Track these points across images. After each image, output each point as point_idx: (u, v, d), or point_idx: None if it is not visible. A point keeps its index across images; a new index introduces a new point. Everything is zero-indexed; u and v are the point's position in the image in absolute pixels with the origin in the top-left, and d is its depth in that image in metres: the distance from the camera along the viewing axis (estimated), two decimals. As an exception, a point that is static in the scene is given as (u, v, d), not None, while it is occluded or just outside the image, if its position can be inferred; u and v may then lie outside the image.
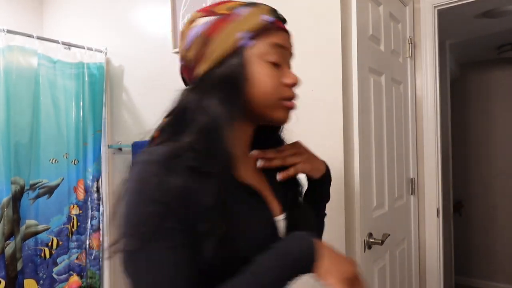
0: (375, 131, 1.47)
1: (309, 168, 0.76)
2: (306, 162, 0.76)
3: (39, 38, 1.83)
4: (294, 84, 0.67)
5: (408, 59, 1.91)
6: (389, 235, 1.41)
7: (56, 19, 2.48)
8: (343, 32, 1.28)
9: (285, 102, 0.66)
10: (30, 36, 1.80)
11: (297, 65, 1.35)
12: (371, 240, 1.36)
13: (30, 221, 1.82)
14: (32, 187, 1.83)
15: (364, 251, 1.34)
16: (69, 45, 2.00)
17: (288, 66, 0.69)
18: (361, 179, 1.31)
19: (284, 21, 0.69)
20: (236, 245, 0.55)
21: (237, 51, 0.63)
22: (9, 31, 1.70)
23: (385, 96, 1.60)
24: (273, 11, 0.67)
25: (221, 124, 0.58)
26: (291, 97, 0.67)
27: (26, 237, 1.80)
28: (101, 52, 2.10)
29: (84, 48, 2.03)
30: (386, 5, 1.62)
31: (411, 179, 1.89)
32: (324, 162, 0.82)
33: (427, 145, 1.89)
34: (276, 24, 0.66)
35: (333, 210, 1.29)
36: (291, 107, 0.67)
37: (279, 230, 0.66)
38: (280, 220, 0.67)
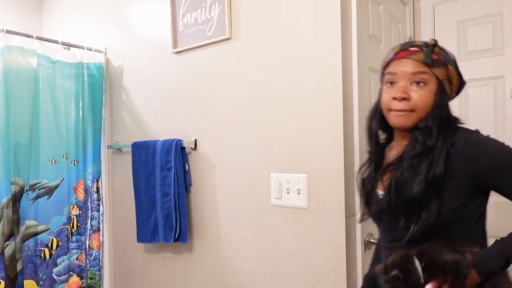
0: (375, 131, 1.47)
1: None
2: None
3: (38, 38, 1.83)
4: (396, 97, 0.87)
5: (408, 59, 1.91)
6: (390, 235, 1.41)
7: (56, 19, 2.48)
8: (343, 32, 1.27)
9: (392, 112, 0.89)
10: (29, 36, 1.79)
11: (297, 65, 1.36)
12: (371, 240, 1.36)
13: (30, 222, 1.82)
14: (32, 187, 1.83)
15: (365, 251, 1.34)
16: (68, 45, 2.00)
17: (403, 84, 0.88)
18: (362, 179, 1.31)
19: (406, 48, 0.90)
20: None
21: (381, 81, 0.98)
22: (8, 31, 1.69)
23: (385, 96, 1.60)
24: (399, 47, 0.92)
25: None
26: (396, 108, 0.88)
27: (25, 237, 1.80)
28: (101, 52, 2.10)
29: (83, 48, 2.03)
30: (386, 4, 1.62)
31: (411, 179, 1.89)
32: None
33: (427, 145, 1.89)
34: (392, 59, 0.92)
35: (333, 210, 1.28)
36: (396, 116, 0.89)
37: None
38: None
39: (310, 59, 1.33)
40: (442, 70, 0.88)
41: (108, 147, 2.11)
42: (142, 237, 1.81)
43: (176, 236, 1.67)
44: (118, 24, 2.08)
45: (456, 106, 1.80)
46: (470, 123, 1.80)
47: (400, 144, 0.94)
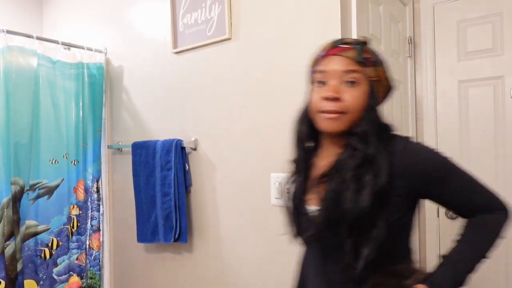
0: (375, 131, 1.47)
1: None
2: None
3: (38, 38, 1.83)
4: (328, 97, 0.79)
5: (408, 59, 1.91)
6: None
7: (56, 19, 2.48)
8: (343, 32, 1.27)
9: (322, 114, 0.80)
10: (29, 36, 1.79)
11: (297, 65, 1.36)
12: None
13: (30, 222, 1.82)
14: (32, 187, 1.83)
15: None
16: (68, 45, 2.00)
17: (335, 83, 0.80)
18: (361, 179, 1.31)
19: (337, 45, 0.83)
20: None
21: (310, 80, 0.90)
22: (8, 32, 1.70)
23: (385, 96, 1.60)
24: (330, 44, 0.85)
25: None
26: (327, 109, 0.79)
27: (26, 237, 1.80)
28: (101, 52, 2.10)
29: (83, 48, 2.03)
30: (386, 5, 1.62)
31: (411, 179, 1.89)
32: None
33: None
34: (322, 55, 0.84)
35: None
36: (326, 118, 0.80)
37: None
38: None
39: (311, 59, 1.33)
40: (373, 71, 0.82)
41: (108, 147, 2.11)
42: (142, 237, 1.81)
43: (176, 236, 1.67)
44: (118, 24, 2.08)
45: (456, 106, 1.81)
46: (470, 123, 1.81)
47: (331, 152, 0.85)
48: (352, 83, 0.79)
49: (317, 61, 0.86)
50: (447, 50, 1.84)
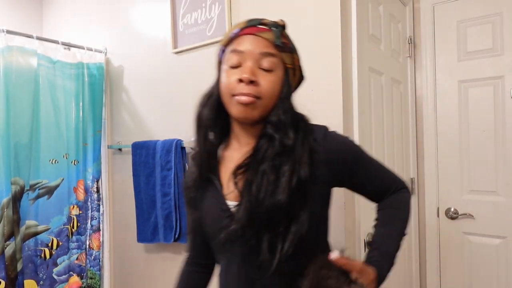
0: (375, 131, 1.47)
1: None
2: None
3: (38, 38, 1.83)
4: (243, 79, 0.71)
5: (408, 58, 1.91)
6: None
7: (56, 19, 2.48)
8: (343, 32, 1.27)
9: (236, 97, 0.73)
10: (29, 36, 1.79)
11: (297, 65, 1.36)
12: (371, 240, 1.36)
13: (30, 222, 1.82)
14: (32, 187, 1.83)
15: (364, 251, 1.34)
16: (68, 46, 2.00)
17: (251, 65, 0.73)
18: (361, 179, 1.31)
19: (255, 25, 0.77)
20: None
21: (218, 62, 0.82)
22: (8, 32, 1.70)
23: (385, 96, 1.60)
24: (245, 23, 0.77)
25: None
26: (243, 91, 0.72)
27: (26, 237, 1.80)
28: (101, 52, 2.10)
29: (83, 48, 2.03)
30: (386, 5, 1.62)
31: (411, 179, 1.89)
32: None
33: (427, 145, 1.89)
34: (237, 35, 0.76)
35: (333, 209, 1.28)
36: (240, 102, 0.72)
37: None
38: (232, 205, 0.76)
39: (310, 59, 1.33)
40: (289, 57, 0.77)
41: (108, 147, 2.11)
42: (142, 237, 1.81)
43: (176, 236, 1.67)
44: (118, 24, 2.08)
45: (456, 106, 1.82)
46: (470, 123, 1.81)
47: (245, 142, 0.79)
48: (269, 67, 0.73)
49: (231, 39, 0.77)
50: (447, 50, 1.84)
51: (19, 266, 1.74)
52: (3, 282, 1.65)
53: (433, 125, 1.88)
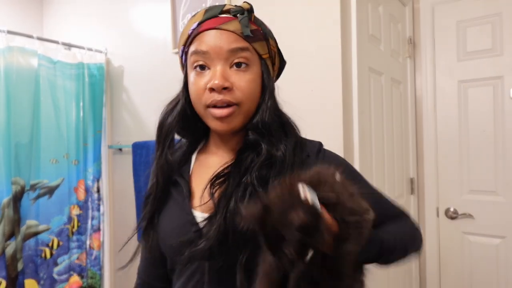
0: (375, 131, 1.48)
1: None
2: None
3: (39, 38, 1.83)
4: (215, 88, 0.61)
5: (408, 59, 1.91)
6: (389, 234, 1.41)
7: (56, 19, 2.48)
8: (343, 32, 1.28)
9: (211, 110, 0.63)
10: (30, 36, 1.80)
11: (297, 65, 1.36)
12: None
13: (30, 222, 1.82)
14: (33, 187, 1.83)
15: (364, 251, 1.34)
16: (69, 46, 2.00)
17: (221, 67, 0.62)
18: (361, 179, 1.31)
19: (215, 15, 0.65)
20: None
21: (182, 65, 0.71)
22: (9, 32, 1.70)
23: (385, 96, 1.60)
24: (203, 14, 0.66)
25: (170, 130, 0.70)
26: (217, 102, 0.62)
27: (26, 237, 1.80)
28: (101, 52, 2.10)
29: (84, 48, 2.03)
30: (386, 5, 1.63)
31: (411, 179, 1.90)
32: None
33: (427, 145, 1.90)
34: (196, 31, 0.65)
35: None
36: (217, 117, 0.63)
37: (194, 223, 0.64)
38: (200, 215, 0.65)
39: (310, 59, 1.34)
40: (263, 46, 0.66)
41: (108, 147, 2.12)
42: (142, 236, 1.82)
43: (177, 235, 1.67)
44: (118, 25, 2.08)
45: (456, 106, 1.82)
46: (470, 123, 1.81)
47: (224, 147, 0.70)
48: (242, 64, 0.63)
49: (190, 38, 0.66)
50: (447, 50, 1.84)
51: (20, 266, 1.74)
52: (3, 282, 1.65)
53: (432, 125, 1.88)
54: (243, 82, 0.63)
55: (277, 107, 0.69)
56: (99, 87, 2.07)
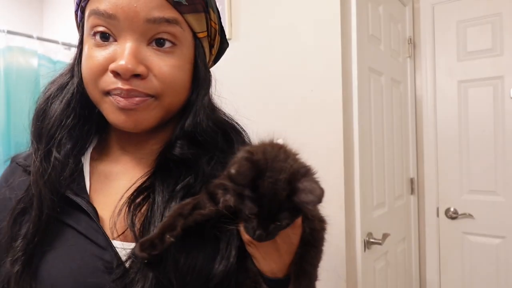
0: (375, 131, 1.48)
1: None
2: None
3: (39, 38, 1.83)
4: (121, 73, 0.43)
5: (408, 59, 1.91)
6: (389, 235, 1.42)
7: (56, 19, 2.48)
8: (343, 32, 1.28)
9: (111, 98, 0.45)
10: (30, 36, 1.80)
11: (297, 65, 1.36)
12: (371, 240, 1.37)
13: (30, 222, 1.82)
14: (33, 187, 1.83)
15: (364, 251, 1.35)
16: (69, 46, 2.00)
17: (134, 44, 0.44)
18: (361, 179, 1.31)
19: None
20: None
21: (78, 24, 0.50)
22: (9, 32, 1.70)
23: (385, 96, 1.60)
24: None
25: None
26: (120, 92, 0.44)
27: (26, 237, 1.80)
28: (101, 52, 2.10)
29: (84, 48, 2.03)
30: (386, 5, 1.63)
31: (411, 179, 1.90)
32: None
33: (427, 145, 1.90)
34: None
35: (333, 209, 1.29)
36: (120, 107, 0.44)
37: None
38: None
39: (310, 59, 1.34)
40: (200, 19, 0.48)
41: (108, 147, 2.11)
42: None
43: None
44: (118, 25, 2.08)
45: (456, 106, 1.82)
46: (470, 123, 1.81)
47: (132, 151, 0.52)
48: (166, 43, 0.45)
49: None
50: (447, 50, 1.84)
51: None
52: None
53: (432, 125, 1.88)
54: (165, 67, 0.45)
55: (214, 106, 0.54)
56: (99, 87, 2.07)
